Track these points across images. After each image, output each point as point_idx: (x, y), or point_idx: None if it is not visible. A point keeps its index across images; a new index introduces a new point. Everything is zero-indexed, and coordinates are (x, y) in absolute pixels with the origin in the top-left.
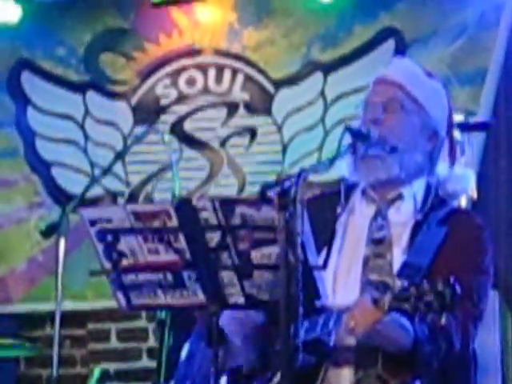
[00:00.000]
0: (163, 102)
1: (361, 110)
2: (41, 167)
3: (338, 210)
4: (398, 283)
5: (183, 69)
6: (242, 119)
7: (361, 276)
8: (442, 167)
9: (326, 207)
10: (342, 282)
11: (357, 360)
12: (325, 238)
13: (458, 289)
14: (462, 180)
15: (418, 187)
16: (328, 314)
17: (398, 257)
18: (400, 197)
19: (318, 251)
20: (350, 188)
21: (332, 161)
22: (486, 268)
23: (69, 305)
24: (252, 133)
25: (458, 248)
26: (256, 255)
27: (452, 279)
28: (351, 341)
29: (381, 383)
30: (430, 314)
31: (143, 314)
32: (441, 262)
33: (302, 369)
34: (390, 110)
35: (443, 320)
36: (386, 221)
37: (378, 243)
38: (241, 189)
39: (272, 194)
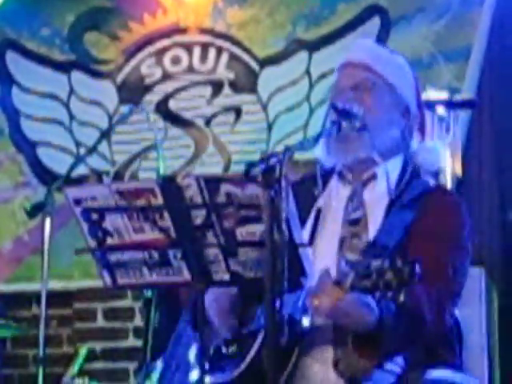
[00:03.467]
0: (148, 80)
1: (329, 96)
2: (26, 147)
3: (316, 192)
4: (362, 261)
5: (168, 48)
6: (227, 98)
7: (337, 256)
8: (413, 142)
9: (306, 191)
10: (320, 263)
11: (331, 340)
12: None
13: (417, 267)
14: (431, 152)
15: (393, 166)
16: (298, 294)
17: (371, 234)
18: (374, 177)
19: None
20: (329, 171)
21: (317, 138)
22: (462, 242)
23: (55, 284)
24: (237, 111)
25: (430, 224)
26: (241, 233)
27: (411, 257)
28: (324, 320)
29: (354, 364)
30: (390, 291)
31: (129, 293)
32: (410, 240)
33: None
34: (361, 90)
35: (401, 297)
36: (361, 201)
37: (354, 224)
38: (226, 167)
39: (257, 171)
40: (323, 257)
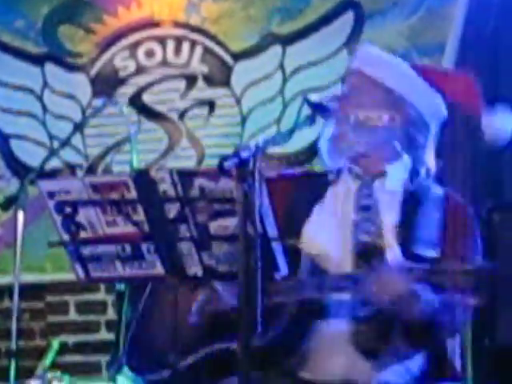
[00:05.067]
0: (122, 74)
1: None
2: None
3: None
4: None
5: (142, 41)
6: (200, 91)
7: (352, 237)
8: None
9: (307, 188)
10: (336, 246)
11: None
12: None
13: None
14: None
15: (398, 167)
16: (338, 277)
17: (388, 222)
18: (383, 173)
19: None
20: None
21: (290, 132)
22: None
23: (27, 277)
24: (211, 105)
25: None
26: (214, 227)
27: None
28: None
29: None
30: (458, 293)
31: (102, 286)
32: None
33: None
34: (353, 96)
35: (471, 300)
36: (371, 190)
37: (366, 209)
38: (200, 161)
39: (230, 165)
40: (338, 240)
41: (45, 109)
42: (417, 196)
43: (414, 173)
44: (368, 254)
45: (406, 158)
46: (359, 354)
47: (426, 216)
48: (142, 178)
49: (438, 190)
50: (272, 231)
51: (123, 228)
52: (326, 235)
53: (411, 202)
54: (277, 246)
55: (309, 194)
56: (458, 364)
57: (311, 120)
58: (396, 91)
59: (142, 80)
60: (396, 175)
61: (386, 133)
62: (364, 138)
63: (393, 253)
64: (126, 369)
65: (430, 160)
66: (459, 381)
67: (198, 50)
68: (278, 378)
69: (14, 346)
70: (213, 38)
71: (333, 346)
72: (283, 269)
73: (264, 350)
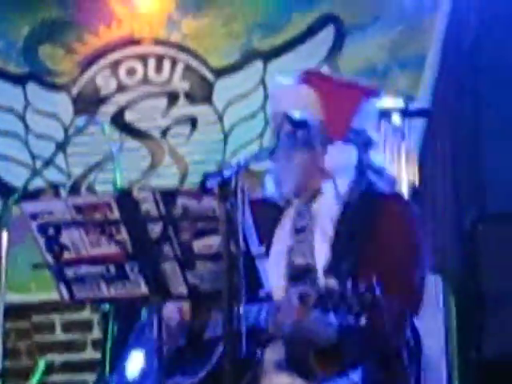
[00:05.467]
0: (103, 92)
1: None
2: None
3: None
4: (324, 281)
5: (123, 59)
6: (182, 109)
7: (287, 262)
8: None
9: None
10: (272, 273)
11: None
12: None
13: (378, 291)
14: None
15: (342, 180)
16: (260, 306)
17: (319, 242)
18: (319, 192)
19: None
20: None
21: (273, 149)
22: (421, 253)
23: (13, 297)
24: (193, 122)
25: (389, 234)
26: (198, 246)
27: (374, 282)
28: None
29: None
30: (351, 315)
31: (88, 305)
32: (370, 250)
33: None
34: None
35: (362, 321)
36: (306, 211)
37: (300, 231)
38: (183, 178)
39: (212, 184)
40: (275, 266)
41: (27, 128)
42: (359, 208)
43: (360, 177)
44: (300, 276)
45: (346, 166)
46: (297, 375)
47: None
48: (124, 198)
49: (376, 198)
50: (255, 248)
51: (107, 248)
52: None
53: (350, 218)
54: (260, 263)
55: (266, 220)
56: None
57: (293, 136)
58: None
59: (123, 98)
60: (334, 190)
61: (311, 156)
62: (291, 174)
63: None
64: None
65: (381, 159)
66: None
67: (179, 67)
68: None
69: (0, 366)
70: (193, 54)
71: (273, 371)
72: (267, 285)
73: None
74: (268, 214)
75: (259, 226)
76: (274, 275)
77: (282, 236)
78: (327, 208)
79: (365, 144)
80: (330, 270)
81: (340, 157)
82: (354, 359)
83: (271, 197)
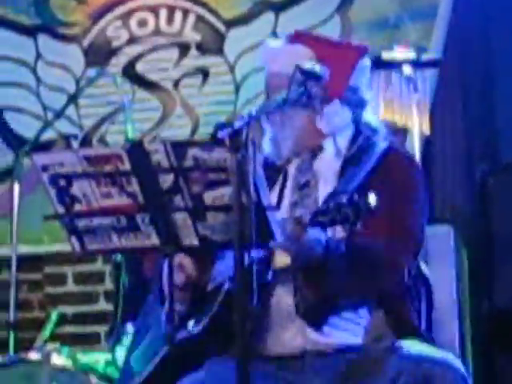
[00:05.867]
0: (115, 43)
1: None
2: None
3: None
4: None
5: (134, 10)
6: (194, 60)
7: (289, 215)
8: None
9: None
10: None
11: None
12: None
13: (372, 197)
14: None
15: (342, 136)
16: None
17: (323, 195)
18: (320, 148)
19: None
20: None
21: (284, 100)
22: (419, 201)
23: (25, 249)
24: (204, 73)
25: (387, 182)
26: (209, 197)
27: (369, 193)
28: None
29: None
30: (347, 224)
31: (99, 256)
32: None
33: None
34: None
35: (358, 226)
36: (308, 168)
37: (304, 186)
38: (194, 129)
39: (224, 135)
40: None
41: (38, 80)
42: (359, 157)
43: (356, 134)
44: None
45: (344, 125)
46: (306, 323)
47: (353, 172)
48: (135, 149)
49: (381, 146)
50: (266, 200)
51: (118, 200)
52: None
53: (350, 165)
54: (271, 215)
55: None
56: (417, 320)
57: (304, 87)
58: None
59: (135, 50)
60: (334, 146)
61: (309, 116)
62: (291, 132)
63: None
64: (127, 340)
65: (374, 118)
66: (422, 336)
67: (191, 19)
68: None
69: (12, 317)
70: (205, 5)
71: (281, 321)
72: (278, 237)
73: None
74: (266, 173)
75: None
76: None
77: (284, 193)
78: (329, 163)
79: (360, 102)
80: (329, 199)
81: (338, 116)
82: (345, 284)
83: (269, 157)
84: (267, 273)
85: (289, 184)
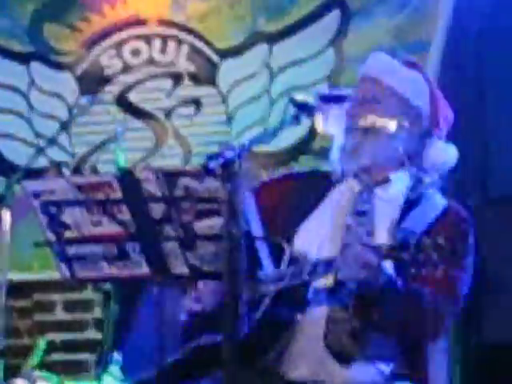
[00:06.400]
0: (108, 72)
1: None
2: None
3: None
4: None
5: (128, 39)
6: (187, 90)
7: (342, 240)
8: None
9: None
10: (326, 248)
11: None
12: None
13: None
14: (443, 150)
15: (403, 175)
16: (316, 262)
17: (379, 229)
18: (387, 180)
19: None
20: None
21: (276, 131)
22: (467, 272)
23: (14, 276)
24: (197, 104)
25: (446, 240)
26: (199, 227)
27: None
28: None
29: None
30: (429, 265)
31: (89, 285)
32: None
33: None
34: (369, 103)
35: (439, 272)
36: (370, 196)
37: (361, 215)
38: (186, 160)
39: (215, 165)
40: (329, 242)
41: (31, 107)
42: (417, 204)
43: (417, 181)
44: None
45: (411, 167)
46: (330, 355)
47: (418, 216)
48: (126, 177)
49: (441, 201)
50: (256, 230)
51: (109, 228)
52: (316, 236)
53: (410, 209)
54: (261, 246)
55: (313, 193)
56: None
57: (297, 119)
58: (409, 100)
59: (128, 79)
60: (399, 183)
61: (395, 140)
62: (374, 147)
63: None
64: (114, 369)
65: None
66: None
67: (184, 49)
68: (253, 374)
69: (1, 344)
70: (199, 36)
71: (306, 344)
72: (267, 268)
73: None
74: (316, 185)
75: (305, 196)
76: (326, 250)
77: (338, 211)
78: (391, 199)
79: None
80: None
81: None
82: (389, 323)
83: (331, 168)
84: (307, 290)
85: (342, 203)
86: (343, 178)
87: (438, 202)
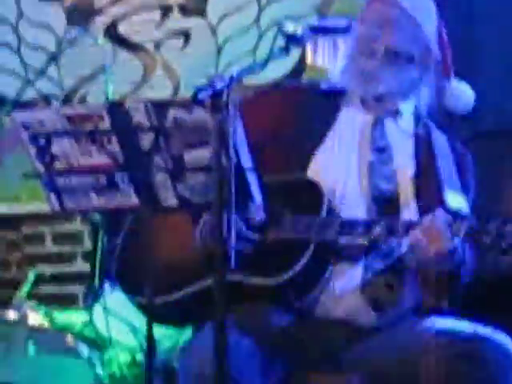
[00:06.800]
0: (97, 3)
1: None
2: None
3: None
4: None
5: None
6: (176, 21)
7: (369, 182)
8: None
9: (320, 106)
10: (351, 186)
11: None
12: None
13: None
14: (464, 93)
15: (409, 107)
16: (353, 221)
17: (403, 169)
18: (397, 111)
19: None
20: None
21: (265, 62)
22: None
23: (3, 208)
24: (186, 35)
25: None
26: (189, 158)
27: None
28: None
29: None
30: (509, 255)
31: (78, 216)
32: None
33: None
34: (387, 27)
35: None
36: (384, 130)
37: (381, 151)
38: (175, 91)
39: (204, 96)
40: (352, 180)
41: (20, 39)
42: (424, 138)
43: (418, 112)
44: (384, 203)
45: (414, 97)
46: (366, 302)
47: (442, 162)
48: (116, 108)
49: (438, 133)
50: (246, 161)
51: (98, 158)
52: (340, 171)
53: (421, 146)
54: (251, 177)
55: (314, 113)
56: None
57: (286, 50)
58: (423, 27)
59: (117, 10)
60: (408, 114)
61: (409, 70)
62: (394, 74)
63: (409, 206)
64: (115, 294)
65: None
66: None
67: None
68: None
69: None
70: None
71: (343, 291)
72: (258, 199)
73: (282, 287)
74: (323, 104)
75: (312, 113)
76: (353, 189)
77: (359, 145)
78: (402, 132)
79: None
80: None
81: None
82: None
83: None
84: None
85: (363, 140)
86: (348, 101)
87: (440, 136)
